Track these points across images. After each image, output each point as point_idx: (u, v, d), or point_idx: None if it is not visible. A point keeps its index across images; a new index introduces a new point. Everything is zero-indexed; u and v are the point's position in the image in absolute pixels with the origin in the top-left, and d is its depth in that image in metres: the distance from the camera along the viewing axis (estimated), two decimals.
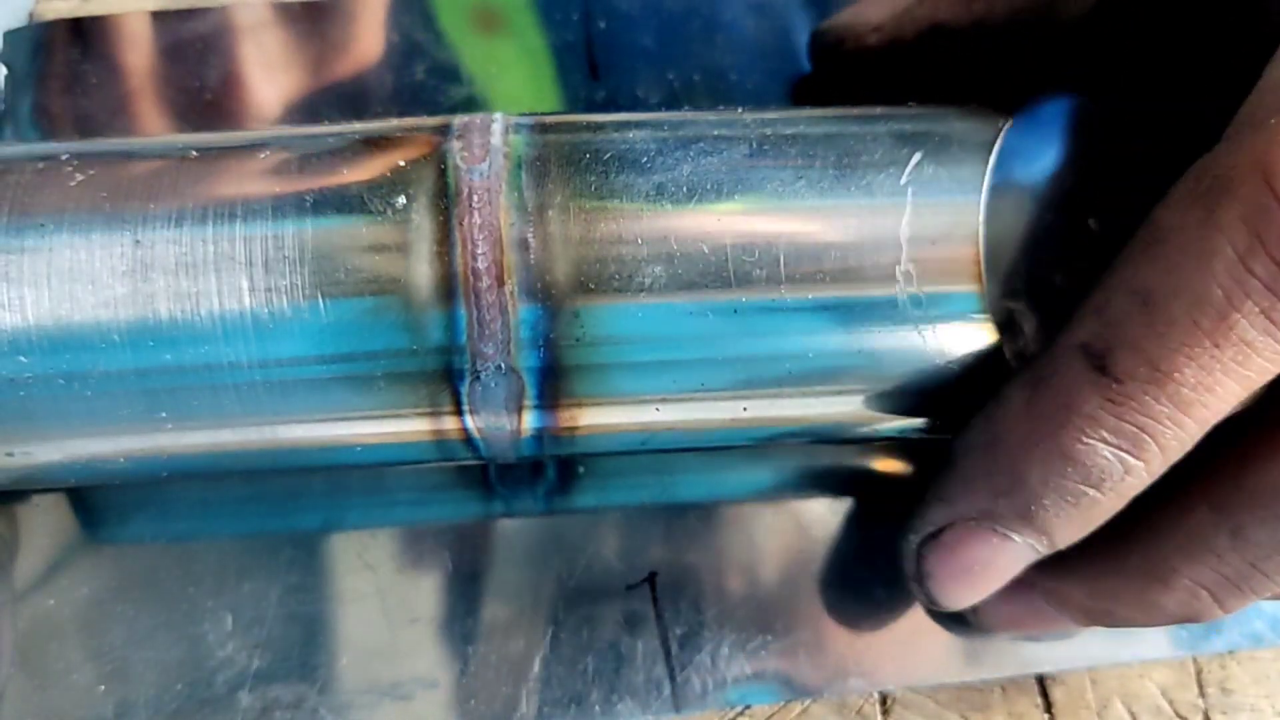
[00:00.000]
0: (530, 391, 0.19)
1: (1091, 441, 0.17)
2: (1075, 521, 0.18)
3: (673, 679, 0.23)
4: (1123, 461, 0.17)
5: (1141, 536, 0.19)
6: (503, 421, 0.19)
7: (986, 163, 0.20)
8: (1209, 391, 0.16)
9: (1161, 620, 0.20)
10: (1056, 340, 0.18)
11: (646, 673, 0.23)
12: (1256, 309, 0.16)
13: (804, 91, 0.28)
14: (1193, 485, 0.19)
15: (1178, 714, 0.24)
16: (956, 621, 0.24)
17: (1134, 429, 0.17)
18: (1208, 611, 0.19)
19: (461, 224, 0.18)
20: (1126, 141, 0.21)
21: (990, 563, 0.19)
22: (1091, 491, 0.17)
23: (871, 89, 0.26)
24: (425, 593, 0.24)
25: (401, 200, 0.19)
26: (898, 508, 0.25)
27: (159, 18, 0.28)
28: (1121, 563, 0.20)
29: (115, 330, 0.18)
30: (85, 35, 0.28)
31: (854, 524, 0.25)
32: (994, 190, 0.20)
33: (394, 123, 0.20)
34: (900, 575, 0.23)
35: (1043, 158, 0.28)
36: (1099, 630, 0.24)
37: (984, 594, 0.20)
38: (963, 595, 0.20)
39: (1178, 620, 0.20)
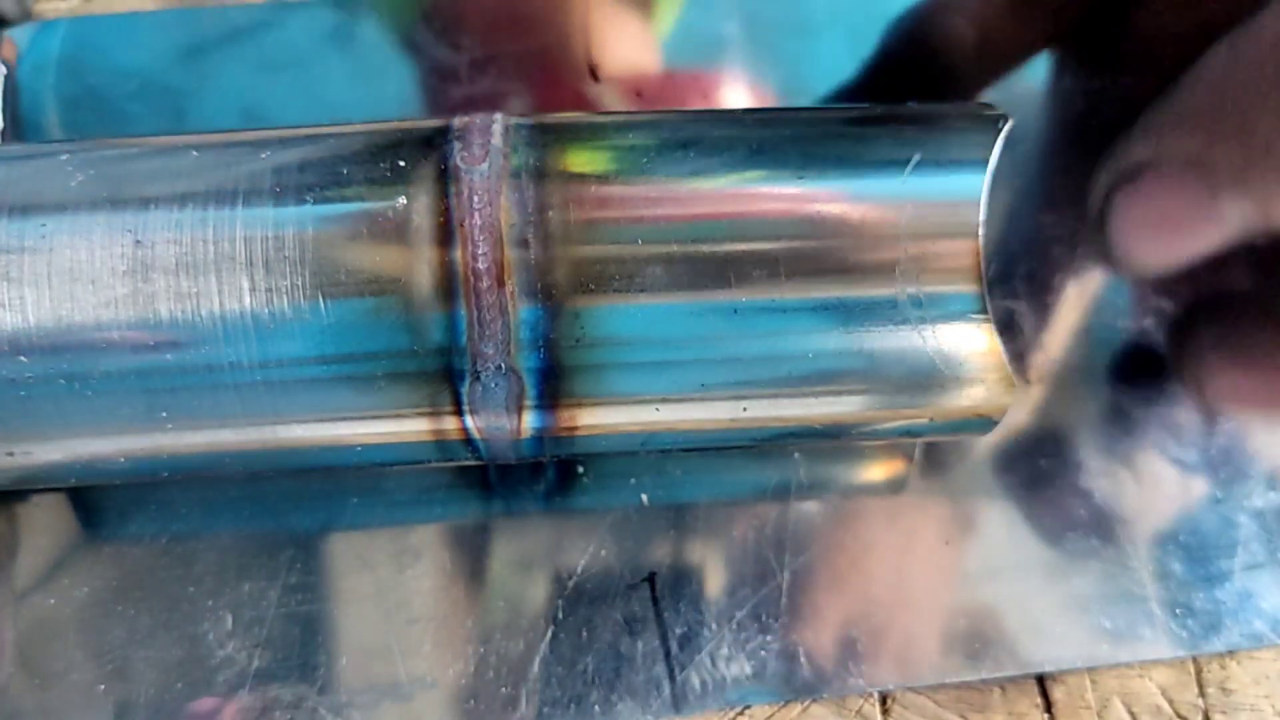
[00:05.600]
0: (530, 392, 0.19)
1: None
2: None
3: (672, 679, 0.23)
4: None
5: None
6: (503, 422, 0.19)
7: (986, 163, 0.20)
8: None
9: None
10: None
11: (646, 673, 0.23)
12: None
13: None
14: None
15: (1178, 714, 0.24)
16: (960, 622, 0.24)
17: None
18: None
19: (462, 225, 0.18)
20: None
21: (1188, 224, 0.16)
22: None
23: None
24: (425, 593, 0.24)
25: (402, 201, 0.19)
26: (897, 507, 0.25)
27: None
28: None
29: (116, 330, 0.18)
30: (85, 35, 0.28)
31: (853, 524, 0.25)
32: (994, 190, 0.20)
33: (394, 123, 0.20)
34: (899, 576, 0.24)
35: (1041, 158, 0.28)
36: (1100, 630, 0.24)
37: (1169, 259, 0.17)
38: (1147, 250, 0.17)
39: None
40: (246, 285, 0.18)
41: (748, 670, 0.24)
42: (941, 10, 0.24)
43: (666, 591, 0.24)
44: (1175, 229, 0.16)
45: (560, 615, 0.24)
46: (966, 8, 0.23)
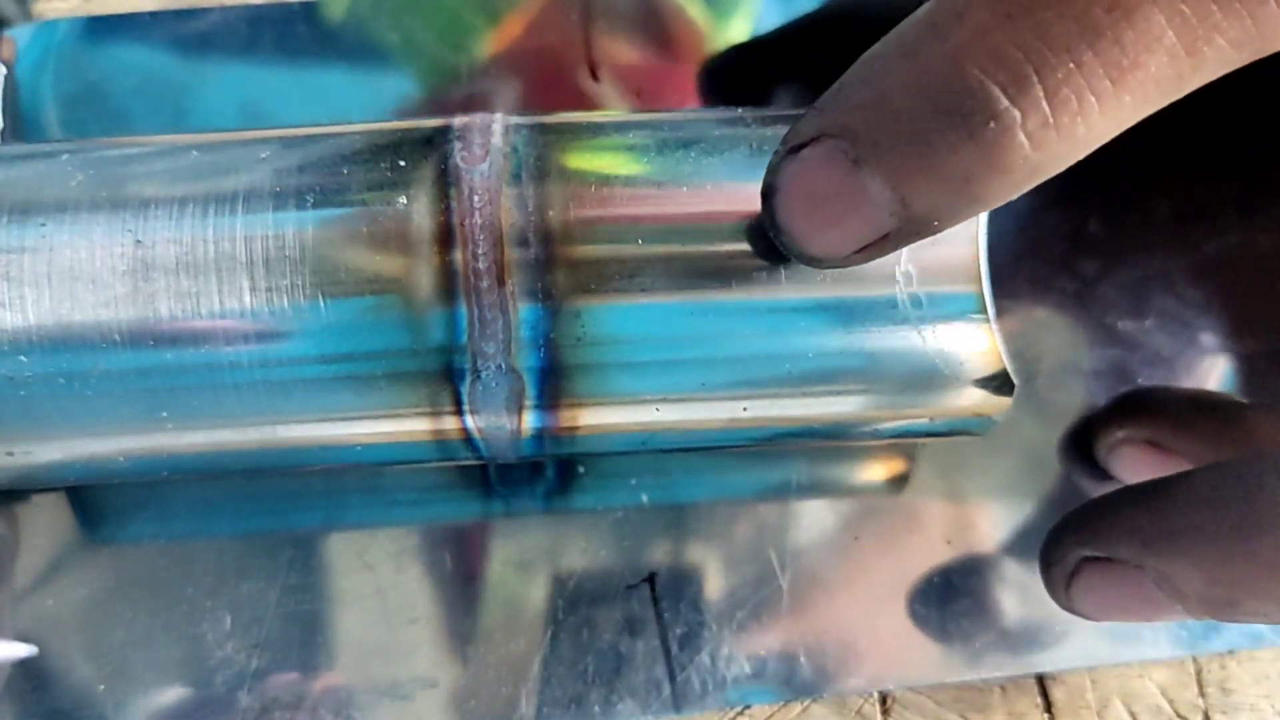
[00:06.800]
0: (530, 391, 0.19)
1: (964, 62, 0.14)
2: (927, 169, 0.14)
3: (673, 679, 0.23)
4: (989, 96, 0.13)
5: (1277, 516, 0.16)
6: (503, 421, 0.19)
7: None
8: (1127, 23, 0.13)
9: None
10: None
11: (646, 673, 0.23)
12: None
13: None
14: None
15: (1178, 714, 0.24)
16: (960, 622, 0.24)
17: (1018, 55, 0.13)
18: None
19: (463, 224, 0.18)
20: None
21: (836, 195, 0.15)
22: (947, 129, 0.14)
23: None
24: (425, 593, 0.24)
25: (402, 200, 0.19)
26: (897, 507, 0.25)
27: None
28: (1252, 546, 0.16)
29: (116, 330, 0.18)
30: (85, 34, 0.28)
31: (853, 524, 0.25)
32: None
33: (394, 123, 0.20)
34: (900, 575, 0.23)
35: None
36: (1100, 630, 0.24)
37: (827, 237, 0.16)
38: (802, 224, 0.16)
39: None
40: (246, 285, 0.18)
41: (748, 670, 0.24)
42: None
43: (666, 591, 0.24)
44: (825, 204, 0.16)
45: (560, 615, 0.24)
46: None
